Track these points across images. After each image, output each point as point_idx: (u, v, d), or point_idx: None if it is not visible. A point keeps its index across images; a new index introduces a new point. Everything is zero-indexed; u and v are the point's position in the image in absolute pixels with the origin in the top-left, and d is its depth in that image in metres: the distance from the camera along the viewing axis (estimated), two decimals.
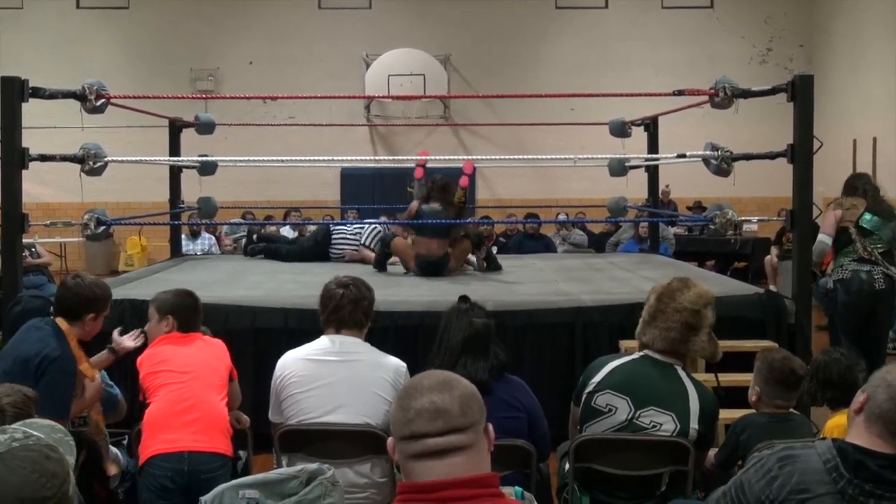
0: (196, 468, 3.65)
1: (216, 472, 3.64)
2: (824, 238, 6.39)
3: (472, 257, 7.91)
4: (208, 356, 4.00)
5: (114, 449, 4.16)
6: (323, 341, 3.84)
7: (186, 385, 3.83)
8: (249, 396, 4.79)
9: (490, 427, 1.95)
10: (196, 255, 11.06)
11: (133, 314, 5.67)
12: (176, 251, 9.41)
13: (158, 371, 3.88)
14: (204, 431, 3.74)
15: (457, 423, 1.87)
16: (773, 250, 11.89)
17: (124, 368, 5.16)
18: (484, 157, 13.45)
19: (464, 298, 3.94)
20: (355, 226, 8.90)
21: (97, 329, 4.17)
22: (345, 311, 3.83)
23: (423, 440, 1.86)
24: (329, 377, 3.72)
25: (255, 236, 9.47)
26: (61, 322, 4.00)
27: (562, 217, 13.47)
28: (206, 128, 9.04)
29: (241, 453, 4.14)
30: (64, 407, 3.81)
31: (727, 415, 4.27)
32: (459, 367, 3.59)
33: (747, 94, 6.47)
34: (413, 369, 3.73)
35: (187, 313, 4.11)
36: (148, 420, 3.78)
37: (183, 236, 10.70)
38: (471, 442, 1.89)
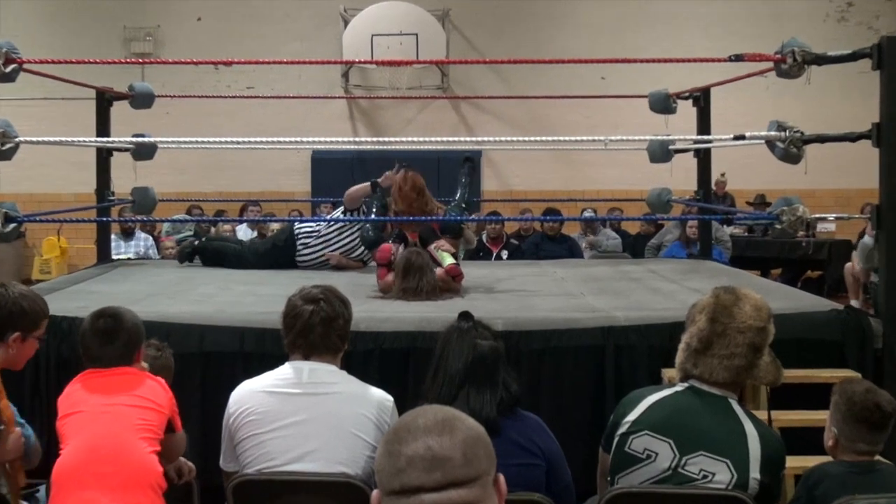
0: None
1: None
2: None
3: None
4: (136, 396, 3.93)
5: None
6: (287, 370, 3.84)
7: (102, 430, 3.77)
8: (196, 438, 4.78)
9: (501, 479, 1.94)
10: (129, 259, 11.04)
11: (50, 336, 5.64)
12: (104, 255, 9.40)
13: (71, 413, 3.83)
14: (125, 487, 3.65)
15: (459, 474, 1.86)
16: (855, 256, 11.88)
17: (37, 404, 5.14)
18: (492, 139, 13.41)
19: (465, 315, 3.94)
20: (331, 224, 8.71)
21: (27, 354, 4.08)
22: (315, 332, 3.83)
23: (418, 495, 1.85)
24: (296, 415, 3.72)
25: (197, 241, 9.32)
26: None
27: (588, 213, 13.47)
28: (142, 100, 9.02)
29: None
30: None
31: (797, 463, 4.26)
32: (460, 402, 3.60)
33: (822, 59, 6.46)
34: (402, 404, 3.73)
35: (92, 341, 4.00)
36: (57, 473, 3.71)
37: (113, 237, 10.69)
38: (477, 498, 1.87)
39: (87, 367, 3.99)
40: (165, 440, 3.90)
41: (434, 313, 5.89)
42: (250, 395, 3.81)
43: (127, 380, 3.97)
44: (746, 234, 13.85)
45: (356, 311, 4.07)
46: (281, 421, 3.72)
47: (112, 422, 3.80)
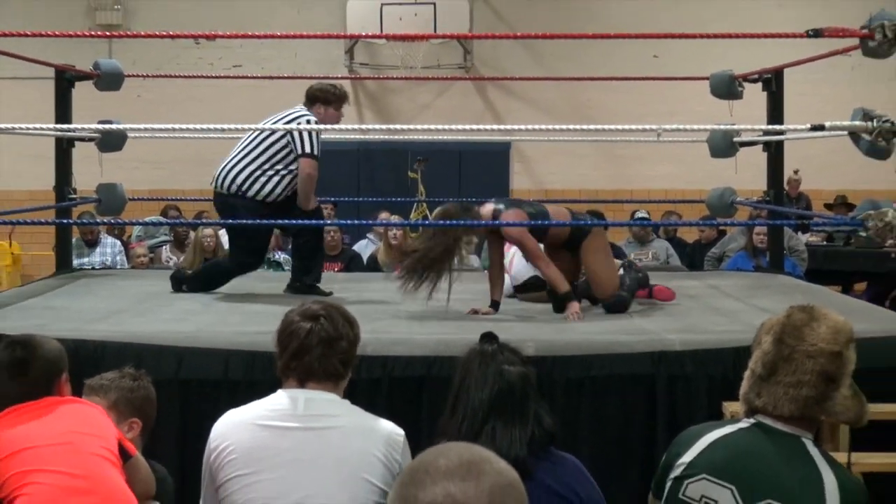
0: None
1: None
2: None
3: None
4: (85, 423, 4.04)
5: None
6: (280, 398, 3.85)
7: (71, 462, 3.86)
8: (171, 480, 4.80)
9: None
10: (94, 269, 11.09)
11: None
12: (64, 264, 9.44)
13: (19, 451, 3.90)
14: None
15: None
16: None
17: None
18: (523, 128, 13.41)
19: (489, 337, 3.95)
20: None
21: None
22: (312, 354, 3.84)
23: None
24: (290, 453, 3.72)
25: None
26: None
27: (641, 215, 13.41)
28: (109, 80, 9.07)
29: None
30: None
31: None
32: (485, 440, 3.61)
33: None
34: (415, 443, 3.74)
35: (3, 377, 4.16)
36: None
37: (74, 242, 10.72)
38: None
39: (4, 406, 4.10)
40: (127, 469, 3.99)
41: (454, 335, 5.91)
42: (236, 428, 3.81)
43: (68, 408, 4.10)
44: (825, 242, 13.79)
45: (362, 332, 4.08)
46: (272, 460, 3.72)
47: (76, 453, 3.89)
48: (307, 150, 7.65)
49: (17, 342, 4.27)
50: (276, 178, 7.72)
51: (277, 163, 7.73)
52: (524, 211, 7.15)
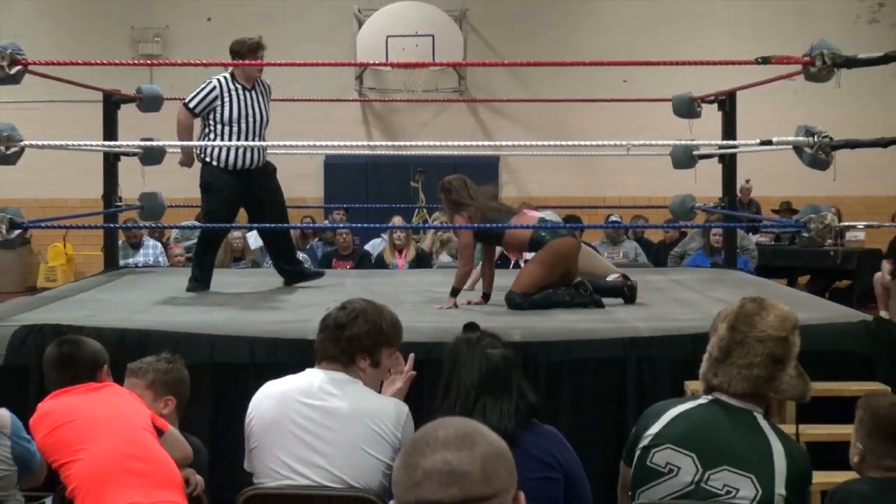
0: None
1: None
2: None
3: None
4: (125, 403, 4.08)
5: None
6: (303, 376, 3.89)
7: (123, 433, 3.88)
8: (206, 451, 4.81)
9: (521, 497, 1.96)
10: (137, 267, 11.10)
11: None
12: (111, 262, 9.45)
13: (70, 421, 3.92)
14: (160, 486, 3.81)
15: (477, 490, 1.88)
16: (886, 265, 11.86)
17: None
18: (510, 144, 13.42)
19: (471, 326, 3.98)
20: None
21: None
22: (319, 336, 3.93)
23: None
24: (303, 425, 3.74)
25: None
26: None
27: (614, 219, 13.42)
28: (151, 103, 9.08)
29: None
30: None
31: (824, 478, 4.26)
32: (477, 415, 3.61)
33: (853, 62, 6.46)
34: (417, 419, 3.74)
35: (51, 369, 4.27)
36: (83, 478, 3.80)
37: (120, 244, 10.73)
38: None
39: (52, 390, 4.18)
40: (162, 442, 4.02)
41: (450, 323, 5.90)
42: (264, 399, 3.86)
43: (109, 389, 4.18)
44: (773, 242, 13.83)
45: None
46: (287, 430, 3.74)
47: (126, 426, 3.92)
48: (185, 99, 7.82)
49: (66, 341, 4.40)
50: (217, 147, 7.75)
51: (210, 132, 7.81)
52: (473, 215, 6.95)
